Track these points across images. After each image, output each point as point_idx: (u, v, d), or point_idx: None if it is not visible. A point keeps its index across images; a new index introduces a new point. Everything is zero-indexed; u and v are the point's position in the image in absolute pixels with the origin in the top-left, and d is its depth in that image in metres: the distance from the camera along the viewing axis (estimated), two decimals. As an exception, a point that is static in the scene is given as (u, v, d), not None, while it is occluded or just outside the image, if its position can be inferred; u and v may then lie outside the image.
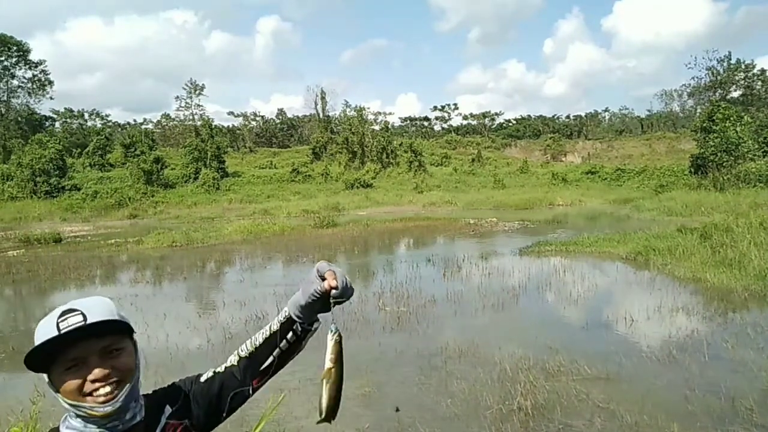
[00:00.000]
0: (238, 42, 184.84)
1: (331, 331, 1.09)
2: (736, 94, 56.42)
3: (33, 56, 55.19)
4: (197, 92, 60.38)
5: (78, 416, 0.99)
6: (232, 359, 1.18)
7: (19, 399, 4.90)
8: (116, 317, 0.99)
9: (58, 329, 0.95)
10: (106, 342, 0.98)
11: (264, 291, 9.79)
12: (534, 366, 5.33)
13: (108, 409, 0.96)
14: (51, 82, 57.07)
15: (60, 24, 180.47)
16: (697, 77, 59.42)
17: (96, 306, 1.00)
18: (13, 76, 54.48)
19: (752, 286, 8.16)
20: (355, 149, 50.43)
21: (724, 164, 30.73)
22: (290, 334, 1.14)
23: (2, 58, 53.10)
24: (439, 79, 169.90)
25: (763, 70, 56.37)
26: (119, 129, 71.28)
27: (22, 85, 55.54)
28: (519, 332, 6.83)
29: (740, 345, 5.85)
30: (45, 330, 0.97)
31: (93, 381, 0.95)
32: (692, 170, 34.51)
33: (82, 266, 13.62)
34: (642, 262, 11.04)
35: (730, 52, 61.42)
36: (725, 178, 28.38)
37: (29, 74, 55.35)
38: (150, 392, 1.13)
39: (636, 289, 9.12)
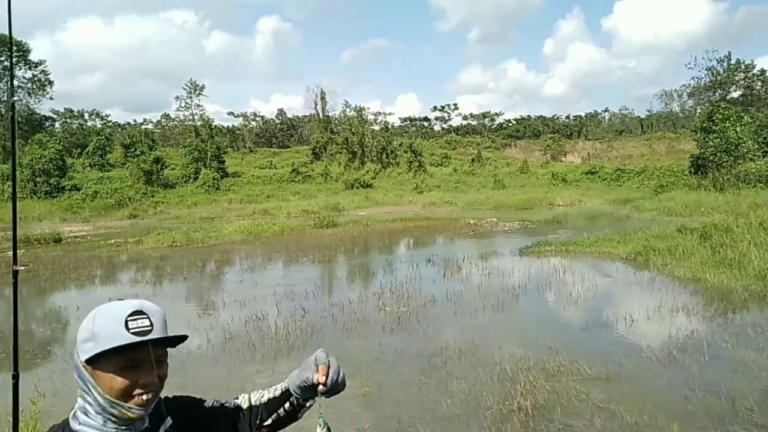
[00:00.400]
0: (239, 42, 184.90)
1: (320, 425, 1.11)
2: (735, 94, 56.47)
3: (33, 56, 55.23)
4: (197, 92, 60.43)
5: (101, 413, 1.01)
6: (243, 401, 1.23)
7: (19, 399, 4.90)
8: (169, 332, 1.06)
9: (128, 328, 0.99)
10: (161, 351, 1.05)
11: (264, 291, 9.80)
12: (534, 366, 5.33)
13: (141, 413, 1.02)
14: (51, 82, 57.10)
15: (60, 24, 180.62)
16: (696, 77, 59.59)
17: (155, 312, 1.05)
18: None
19: (752, 287, 8.16)
20: (355, 149, 50.44)
21: (723, 164, 30.73)
22: (287, 404, 1.19)
23: (2, 58, 53.12)
24: (439, 79, 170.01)
25: (762, 71, 56.43)
26: (119, 129, 71.30)
27: (22, 85, 55.56)
28: (519, 332, 6.83)
29: (740, 345, 5.85)
30: (114, 325, 0.99)
31: (143, 385, 1.00)
32: (692, 170, 34.52)
33: (82, 266, 13.62)
34: (642, 263, 11.04)
35: (730, 53, 61.45)
36: (725, 178, 28.38)
37: (29, 74, 55.41)
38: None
39: (636, 289, 9.12)
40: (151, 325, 1.01)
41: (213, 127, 50.09)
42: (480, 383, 5.05)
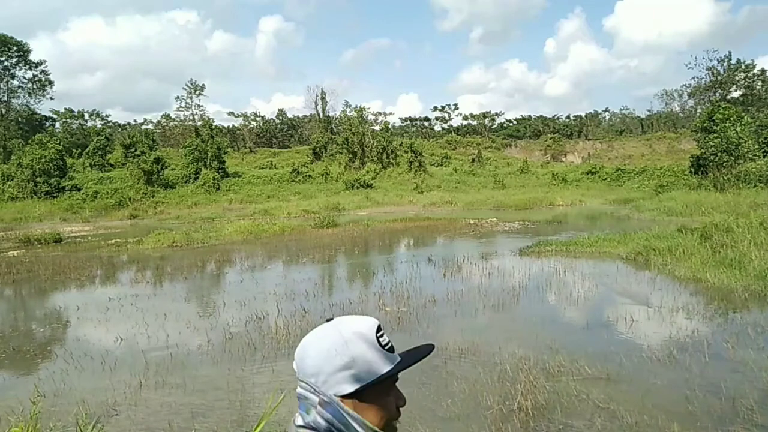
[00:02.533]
0: (240, 42, 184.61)
1: None
2: (736, 94, 56.40)
3: (35, 56, 55.50)
4: (197, 92, 60.43)
5: None
6: None
7: (19, 399, 4.90)
8: None
9: (382, 345, 0.93)
10: None
11: (264, 291, 9.80)
12: (534, 366, 5.32)
13: None
14: (51, 83, 57.23)
15: (62, 24, 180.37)
16: (697, 77, 59.45)
17: None
18: (13, 77, 54.59)
19: (752, 286, 8.15)
20: (356, 149, 50.43)
21: (724, 164, 30.71)
22: None
23: (2, 59, 53.15)
24: (441, 78, 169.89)
25: (763, 70, 56.37)
26: (119, 129, 71.33)
27: (23, 85, 55.67)
28: (519, 332, 6.82)
29: (741, 345, 5.85)
30: (371, 347, 0.93)
31: (403, 399, 0.96)
32: (692, 170, 34.50)
33: (82, 266, 13.62)
34: (642, 262, 11.03)
35: (730, 52, 61.47)
36: (725, 178, 28.34)
37: (29, 74, 55.52)
38: None
39: (636, 289, 9.11)
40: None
41: (213, 127, 50.07)
42: (480, 383, 5.05)
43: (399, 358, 0.94)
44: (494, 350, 5.97)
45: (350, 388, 0.90)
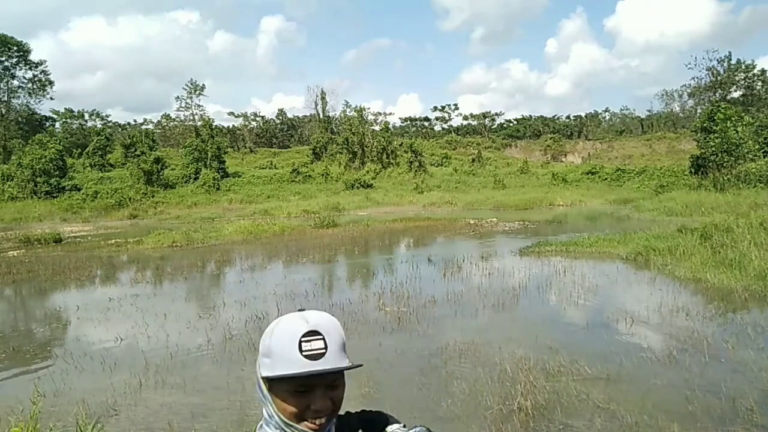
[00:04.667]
0: (242, 42, 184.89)
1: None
2: (736, 94, 56.41)
3: (36, 56, 55.54)
4: (197, 92, 60.41)
5: (279, 429, 0.99)
6: None
7: (19, 399, 4.90)
8: (347, 360, 1.00)
9: (301, 350, 0.94)
10: (335, 376, 0.98)
11: (264, 291, 9.80)
12: (534, 366, 5.32)
13: None
14: (51, 83, 57.22)
15: (64, 23, 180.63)
16: (697, 77, 59.45)
17: (333, 332, 0.98)
18: (13, 77, 54.59)
19: (752, 287, 8.15)
20: (356, 149, 50.43)
21: (724, 164, 30.70)
22: None
23: (3, 59, 53.14)
24: (441, 78, 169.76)
25: (763, 71, 56.37)
26: (119, 129, 71.36)
27: (23, 85, 55.66)
28: (519, 332, 6.82)
29: (741, 345, 5.85)
30: (288, 346, 0.95)
31: (315, 411, 0.96)
32: (692, 170, 34.49)
33: (82, 266, 13.62)
34: (642, 263, 11.03)
35: (730, 53, 61.55)
36: (725, 178, 28.34)
37: (29, 75, 55.49)
38: (342, 413, 1.11)
39: (636, 289, 9.11)
40: (325, 347, 0.94)
41: (213, 127, 50.10)
42: (480, 383, 5.05)
43: (316, 369, 0.93)
44: (494, 350, 5.97)
45: (264, 373, 0.97)
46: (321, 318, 0.99)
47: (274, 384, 0.97)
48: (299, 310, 1.01)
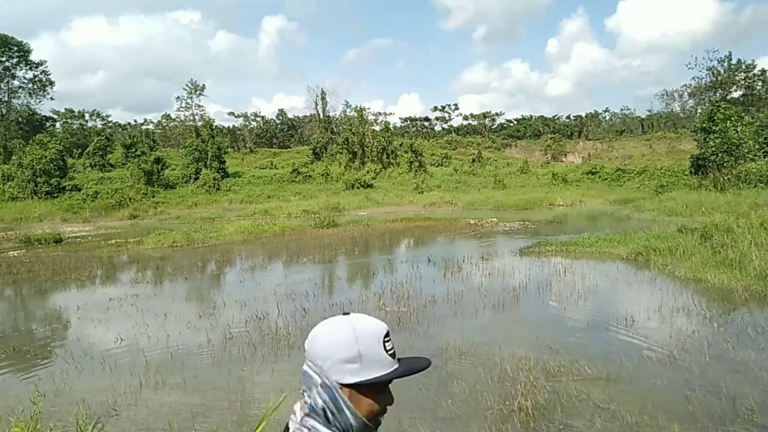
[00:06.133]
0: (243, 42, 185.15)
1: None
2: (736, 94, 56.40)
3: (37, 56, 55.64)
4: (197, 92, 60.40)
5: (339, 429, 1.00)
6: None
7: (20, 399, 4.90)
8: None
9: (386, 350, 1.01)
10: None
11: (264, 291, 9.80)
12: (534, 366, 5.32)
13: None
14: (52, 83, 57.20)
15: (65, 23, 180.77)
16: (697, 77, 59.49)
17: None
18: (13, 77, 54.58)
19: (753, 287, 8.15)
20: (356, 149, 50.43)
21: (724, 164, 30.68)
22: None
23: (3, 59, 53.14)
24: (442, 79, 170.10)
25: (763, 71, 56.37)
26: (120, 129, 71.39)
27: (23, 85, 55.64)
28: (519, 332, 6.82)
29: (741, 345, 5.85)
30: (377, 348, 1.00)
31: (388, 405, 1.04)
32: (693, 170, 34.48)
33: (82, 266, 13.63)
34: (642, 263, 11.03)
35: (730, 53, 61.63)
36: (726, 178, 28.33)
37: (30, 75, 55.48)
38: None
39: (636, 289, 9.11)
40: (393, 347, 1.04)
41: (213, 127, 50.11)
42: (480, 383, 5.05)
43: (397, 365, 1.02)
44: (494, 350, 5.97)
45: (350, 380, 0.98)
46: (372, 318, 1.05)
47: (363, 388, 0.99)
48: (344, 313, 1.05)
